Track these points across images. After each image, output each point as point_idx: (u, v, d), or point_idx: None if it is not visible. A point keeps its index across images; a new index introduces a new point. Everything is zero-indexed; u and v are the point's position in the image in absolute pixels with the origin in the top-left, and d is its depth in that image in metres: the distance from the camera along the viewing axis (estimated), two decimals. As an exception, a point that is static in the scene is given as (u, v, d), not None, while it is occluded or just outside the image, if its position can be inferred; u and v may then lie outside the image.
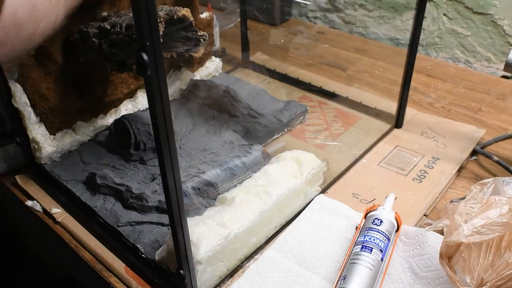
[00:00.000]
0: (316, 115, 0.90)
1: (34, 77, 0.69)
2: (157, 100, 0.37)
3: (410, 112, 0.89)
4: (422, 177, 0.73)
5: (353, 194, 0.71)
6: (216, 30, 1.05)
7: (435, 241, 0.57)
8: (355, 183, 0.73)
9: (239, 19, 1.10)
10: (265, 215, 0.60)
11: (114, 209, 0.67)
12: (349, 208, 0.66)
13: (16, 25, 0.47)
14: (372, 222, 0.58)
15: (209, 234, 0.55)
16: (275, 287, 0.56)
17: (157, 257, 0.58)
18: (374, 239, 0.55)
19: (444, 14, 1.15)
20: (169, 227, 0.55)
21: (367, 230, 0.57)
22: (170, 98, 0.84)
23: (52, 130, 0.75)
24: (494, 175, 0.74)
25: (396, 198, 0.64)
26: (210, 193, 0.67)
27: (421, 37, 1.17)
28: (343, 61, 1.12)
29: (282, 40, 1.24)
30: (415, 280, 0.56)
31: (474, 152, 0.79)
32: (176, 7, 0.62)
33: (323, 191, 0.71)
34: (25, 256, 1.08)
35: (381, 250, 0.55)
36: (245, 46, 1.09)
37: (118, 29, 0.63)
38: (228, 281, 0.58)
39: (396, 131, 0.85)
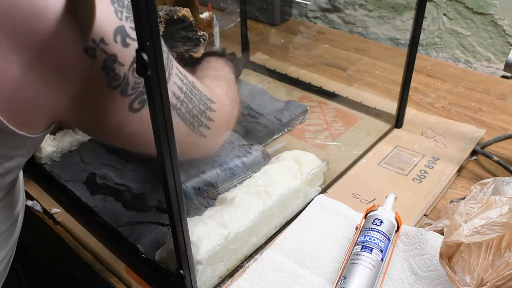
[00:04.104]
0: (316, 115, 0.90)
1: (34, 77, 0.69)
2: (157, 100, 0.37)
3: (410, 112, 0.89)
4: (422, 177, 0.73)
5: (353, 194, 0.71)
6: (216, 30, 1.04)
7: (435, 241, 0.57)
8: (355, 183, 0.73)
9: (239, 19, 1.10)
10: (265, 215, 0.60)
11: (114, 209, 0.67)
12: (349, 208, 0.66)
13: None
14: (372, 222, 0.58)
15: (209, 234, 0.55)
16: (275, 287, 0.56)
17: (157, 257, 0.58)
18: (374, 239, 0.55)
19: (444, 14, 1.15)
20: (169, 227, 0.55)
21: (367, 230, 0.57)
22: (170, 98, 0.84)
23: (52, 130, 0.75)
24: (494, 175, 0.74)
25: (396, 198, 0.64)
26: (210, 193, 0.67)
27: (421, 37, 1.17)
28: (343, 61, 1.11)
29: (282, 40, 1.24)
30: (415, 280, 0.56)
31: (474, 152, 0.79)
32: (176, 7, 0.62)
33: (323, 191, 0.71)
34: (25, 256, 1.08)
35: (381, 250, 0.55)
36: (245, 46, 1.09)
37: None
38: (228, 281, 0.58)
39: (396, 131, 0.85)
